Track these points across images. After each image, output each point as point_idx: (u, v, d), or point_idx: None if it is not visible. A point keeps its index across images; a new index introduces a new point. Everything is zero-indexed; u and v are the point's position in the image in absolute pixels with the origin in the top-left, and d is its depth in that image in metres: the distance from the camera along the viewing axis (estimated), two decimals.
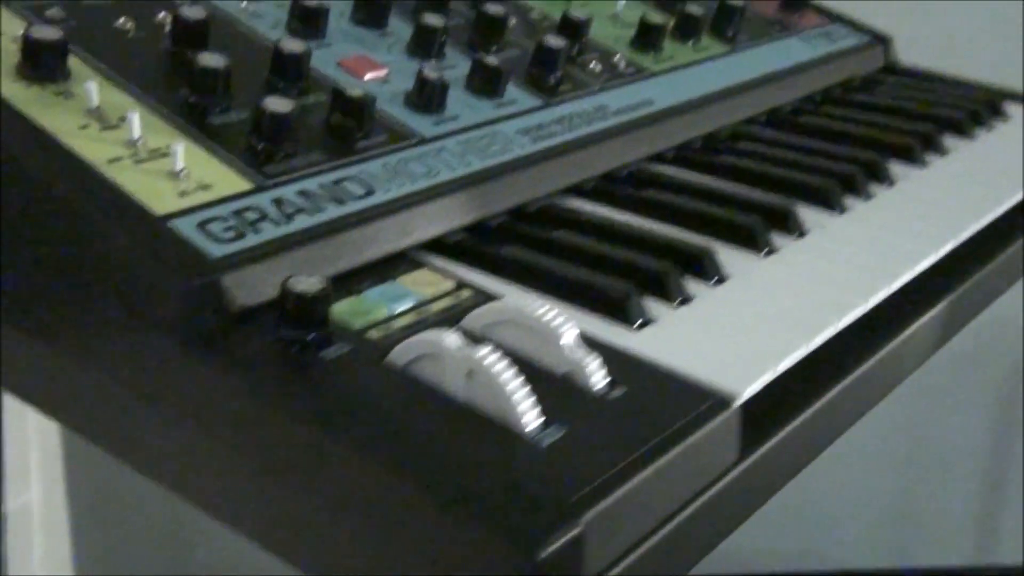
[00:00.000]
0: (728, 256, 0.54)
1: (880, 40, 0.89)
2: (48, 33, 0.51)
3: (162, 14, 0.58)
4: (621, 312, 0.47)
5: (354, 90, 0.54)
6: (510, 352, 0.43)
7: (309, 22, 0.62)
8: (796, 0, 0.89)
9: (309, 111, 0.55)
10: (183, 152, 0.48)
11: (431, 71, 0.59)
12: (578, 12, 0.71)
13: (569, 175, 0.60)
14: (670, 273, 0.50)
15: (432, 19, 0.64)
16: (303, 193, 0.49)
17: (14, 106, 0.48)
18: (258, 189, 0.48)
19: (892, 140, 0.71)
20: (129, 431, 0.46)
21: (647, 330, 0.47)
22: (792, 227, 0.58)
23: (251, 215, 0.47)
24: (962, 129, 0.75)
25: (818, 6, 0.91)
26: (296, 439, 0.39)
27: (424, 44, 0.64)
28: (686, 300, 0.50)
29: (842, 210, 0.61)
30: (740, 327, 0.48)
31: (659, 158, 0.67)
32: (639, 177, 0.64)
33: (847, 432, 0.51)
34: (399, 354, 0.42)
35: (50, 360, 0.48)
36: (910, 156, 0.69)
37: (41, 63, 0.50)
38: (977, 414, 1.48)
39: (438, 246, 0.53)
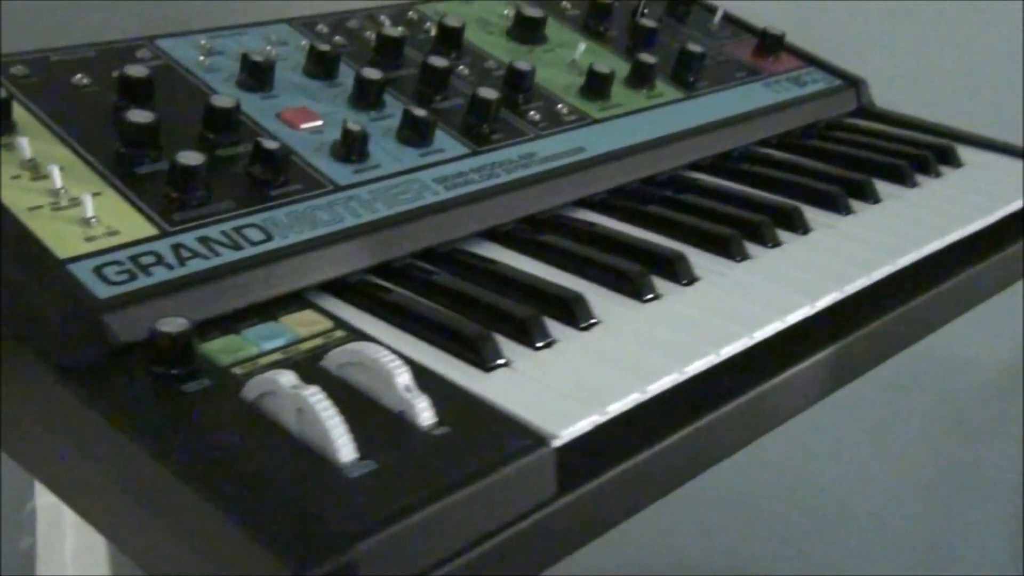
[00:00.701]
0: (606, 300, 0.58)
1: (853, 83, 0.91)
2: None
3: (116, 72, 0.64)
4: (474, 354, 0.51)
5: (270, 143, 0.60)
6: (355, 391, 0.48)
7: (256, 75, 0.68)
8: (771, 44, 0.91)
9: (232, 161, 0.60)
10: (93, 202, 0.54)
11: (353, 123, 0.64)
12: (524, 63, 0.75)
13: (479, 221, 0.64)
14: (532, 318, 0.54)
15: (370, 73, 0.69)
16: (203, 239, 0.55)
17: None
18: (161, 235, 0.54)
19: (818, 186, 0.73)
20: (35, 449, 0.52)
21: (499, 372, 0.51)
22: (681, 273, 0.61)
23: (147, 259, 0.52)
24: (900, 176, 0.77)
25: (796, 49, 0.93)
26: (145, 465, 0.45)
27: (363, 96, 0.69)
28: (549, 343, 0.54)
29: (742, 258, 0.64)
30: (590, 371, 0.52)
31: (588, 202, 0.71)
32: (555, 222, 0.68)
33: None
34: (250, 389, 0.47)
35: None
36: (833, 203, 0.71)
37: None
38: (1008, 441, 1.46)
39: (340, 287, 0.58)
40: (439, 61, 0.72)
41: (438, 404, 0.47)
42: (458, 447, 0.45)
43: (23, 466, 0.53)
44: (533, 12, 0.84)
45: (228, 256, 0.54)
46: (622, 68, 0.81)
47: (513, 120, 0.72)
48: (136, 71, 0.62)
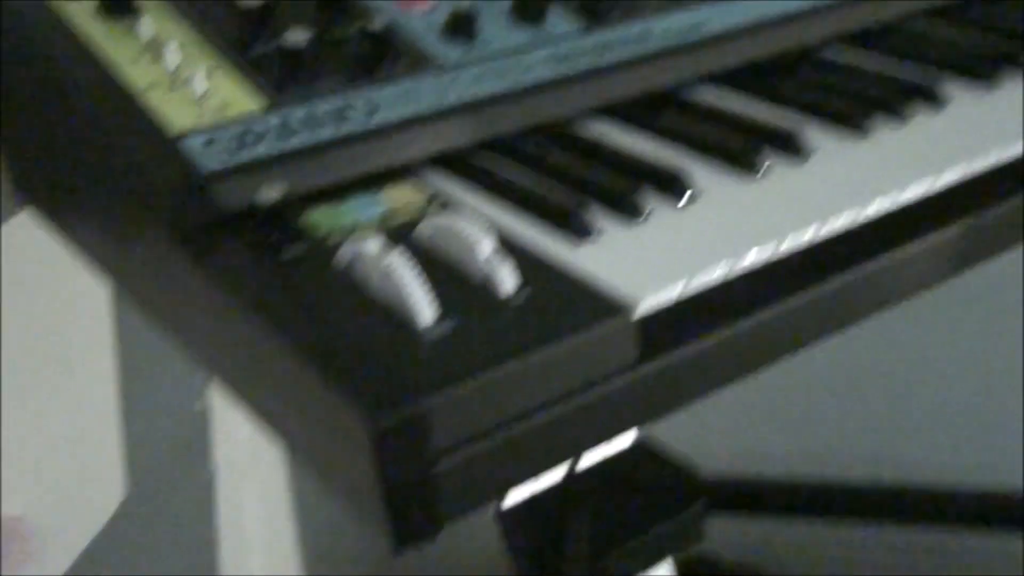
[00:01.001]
0: (715, 177, 0.57)
1: None
2: None
3: None
4: (567, 224, 0.51)
5: (376, 24, 0.60)
6: (442, 260, 0.48)
7: None
8: None
9: (343, 41, 0.61)
10: (207, 78, 0.56)
11: (461, 5, 0.63)
12: None
13: (586, 99, 0.63)
14: (627, 190, 0.53)
15: None
16: (309, 115, 0.56)
17: (86, 40, 0.58)
18: (269, 110, 0.56)
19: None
20: (152, 299, 0.56)
21: (591, 243, 0.51)
22: (795, 149, 0.59)
23: (254, 133, 0.54)
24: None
25: None
26: (244, 321, 0.47)
27: None
28: (646, 217, 0.53)
29: (864, 134, 0.61)
30: (683, 244, 0.51)
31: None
32: (669, 100, 0.66)
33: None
34: (341, 256, 0.48)
35: (101, 236, 0.59)
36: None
37: (114, 4, 0.60)
38: None
39: (443, 162, 0.58)
40: None
41: (523, 272, 0.47)
42: (538, 313, 0.46)
43: (151, 320, 0.57)
44: None
45: (331, 131, 0.55)
46: None
47: None
48: None
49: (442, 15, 0.65)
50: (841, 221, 0.53)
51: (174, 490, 1.09)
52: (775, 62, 0.71)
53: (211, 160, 0.52)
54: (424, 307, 0.44)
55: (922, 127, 0.63)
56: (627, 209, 0.53)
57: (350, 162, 0.55)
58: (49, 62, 0.58)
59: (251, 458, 1.18)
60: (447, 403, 0.41)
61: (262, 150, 0.53)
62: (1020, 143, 0.61)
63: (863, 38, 0.75)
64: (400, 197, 0.54)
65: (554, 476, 0.94)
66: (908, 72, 0.69)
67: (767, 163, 0.58)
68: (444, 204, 0.54)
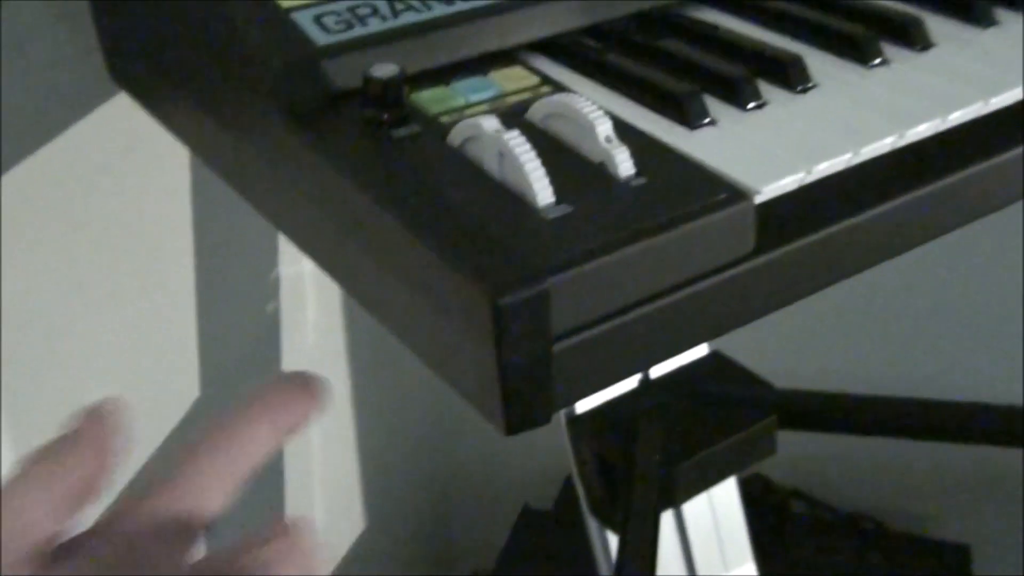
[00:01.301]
0: (829, 65, 0.55)
1: None
2: None
3: None
4: (680, 111, 0.50)
5: None
6: (558, 141, 0.48)
7: None
8: None
9: None
10: None
11: None
12: None
13: None
14: (743, 78, 0.52)
15: None
16: None
17: None
18: None
19: None
20: (253, 181, 0.56)
21: (706, 130, 0.50)
22: (916, 38, 0.57)
23: (364, 10, 0.54)
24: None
25: None
26: (358, 201, 0.47)
27: None
28: (761, 105, 0.52)
29: (989, 23, 0.59)
30: (801, 132, 0.50)
31: None
32: None
33: None
34: (455, 135, 0.48)
35: (201, 119, 0.59)
36: None
37: None
38: None
39: (553, 48, 0.57)
40: None
41: (639, 157, 0.46)
42: (656, 197, 0.45)
43: (256, 208, 0.58)
44: None
45: (440, 10, 0.54)
46: None
47: None
48: None
49: None
50: (959, 114, 0.52)
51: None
52: None
53: (322, 35, 0.52)
54: (543, 187, 0.44)
55: None
56: (743, 97, 0.52)
57: (457, 43, 0.54)
58: None
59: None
60: (568, 284, 0.41)
61: (373, 26, 0.53)
62: None
63: None
64: (512, 79, 0.53)
65: (628, 384, 0.94)
66: None
67: (883, 54, 0.56)
68: (556, 87, 0.53)
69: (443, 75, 0.53)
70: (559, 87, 0.53)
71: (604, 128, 0.47)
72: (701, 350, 0.99)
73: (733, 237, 0.45)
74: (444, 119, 0.50)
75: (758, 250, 0.46)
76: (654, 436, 0.88)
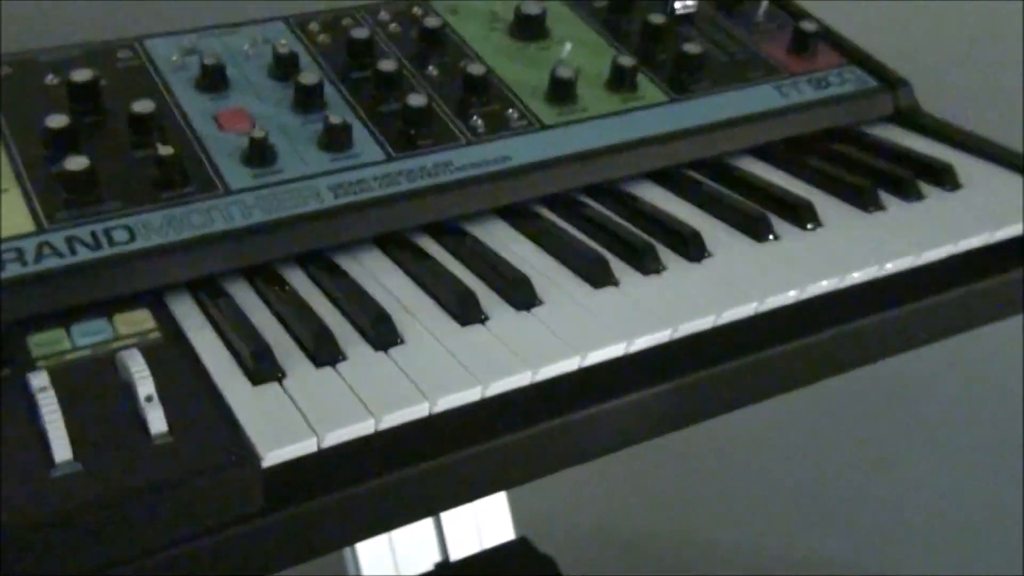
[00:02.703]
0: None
1: (891, 85, 0.83)
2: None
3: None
4: (253, 365, 0.55)
5: (164, 148, 0.65)
6: (126, 393, 0.53)
7: (210, 77, 0.73)
8: (802, 40, 0.85)
9: (142, 163, 0.66)
10: None
11: (258, 130, 0.68)
12: (477, 66, 0.76)
13: (360, 230, 0.66)
14: (320, 337, 0.56)
15: (305, 77, 0.72)
16: (70, 238, 0.61)
17: None
18: (35, 233, 0.61)
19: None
20: None
21: (268, 386, 0.54)
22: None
23: (9, 255, 0.60)
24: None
25: (842, 44, 0.86)
26: None
27: (301, 99, 0.73)
28: (335, 362, 0.56)
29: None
30: (338, 398, 0.54)
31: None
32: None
33: None
34: (30, 383, 0.53)
35: None
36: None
37: None
38: None
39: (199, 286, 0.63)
40: (386, 65, 0.75)
41: (180, 414, 0.51)
42: (173, 456, 0.49)
43: None
44: (530, 8, 0.83)
45: (83, 255, 0.60)
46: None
47: (450, 125, 0.73)
48: (80, 75, 0.69)
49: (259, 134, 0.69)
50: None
51: None
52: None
53: None
54: (60, 445, 0.49)
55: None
56: (320, 356, 0.56)
57: (91, 286, 0.60)
58: None
59: None
60: (62, 538, 0.45)
61: (8, 272, 0.59)
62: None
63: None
64: (129, 323, 0.59)
65: (423, 567, 0.97)
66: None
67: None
68: (168, 334, 0.58)
69: (72, 314, 0.59)
70: (171, 334, 0.58)
71: (144, 389, 0.51)
72: (507, 534, 1.01)
73: (240, 497, 0.49)
74: (40, 363, 0.55)
75: (268, 508, 0.50)
76: None
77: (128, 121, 0.68)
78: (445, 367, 0.56)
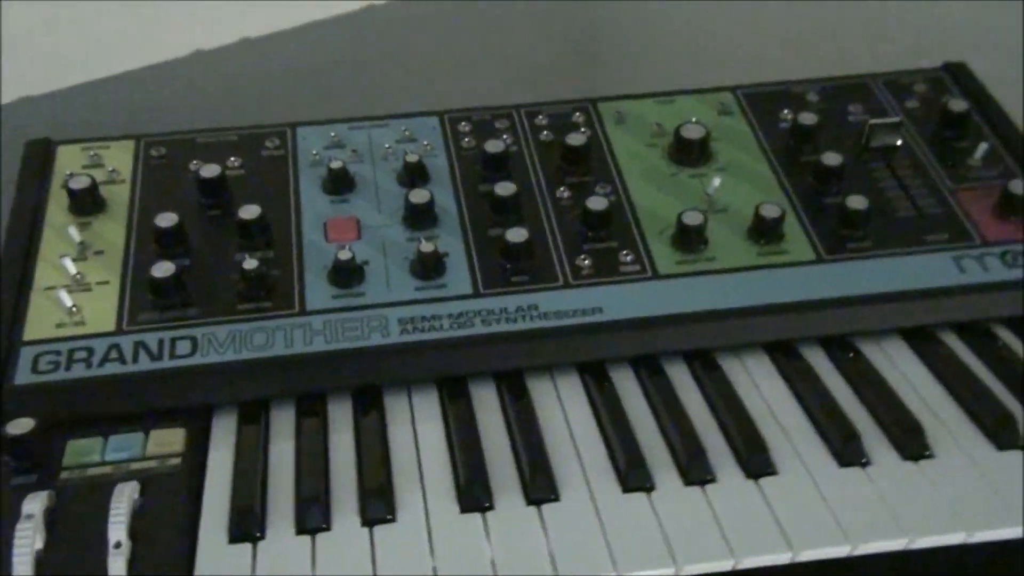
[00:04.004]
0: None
1: None
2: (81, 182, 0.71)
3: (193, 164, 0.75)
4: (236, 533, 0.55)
5: (249, 263, 0.66)
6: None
7: (335, 180, 0.74)
8: (1010, 203, 0.71)
9: (234, 269, 0.68)
10: (84, 294, 0.66)
11: (346, 252, 0.67)
12: (601, 201, 0.70)
13: (416, 370, 0.64)
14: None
15: (417, 196, 0.70)
16: (138, 343, 0.64)
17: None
18: (112, 333, 0.64)
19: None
20: None
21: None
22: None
23: (80, 354, 0.63)
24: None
25: None
26: None
27: (410, 216, 0.71)
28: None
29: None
30: None
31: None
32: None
33: None
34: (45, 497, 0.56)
35: None
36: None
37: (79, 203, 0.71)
38: None
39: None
40: (504, 188, 0.71)
41: (143, 563, 0.52)
42: None
43: None
44: (691, 132, 0.76)
45: (144, 365, 0.63)
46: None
47: (554, 261, 0.69)
48: (208, 171, 0.72)
49: (363, 250, 0.69)
50: None
51: None
52: None
53: (24, 375, 0.62)
54: (24, 563, 0.51)
55: None
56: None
57: (144, 396, 0.62)
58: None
59: None
60: None
61: (74, 373, 0.62)
62: None
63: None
64: (161, 442, 0.60)
65: None
66: None
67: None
68: (186, 460, 0.59)
69: (119, 422, 0.61)
70: (188, 461, 0.59)
71: (115, 534, 0.53)
72: None
73: None
74: (64, 475, 0.58)
75: None
76: None
77: (236, 226, 0.70)
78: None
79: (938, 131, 0.78)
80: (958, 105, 0.78)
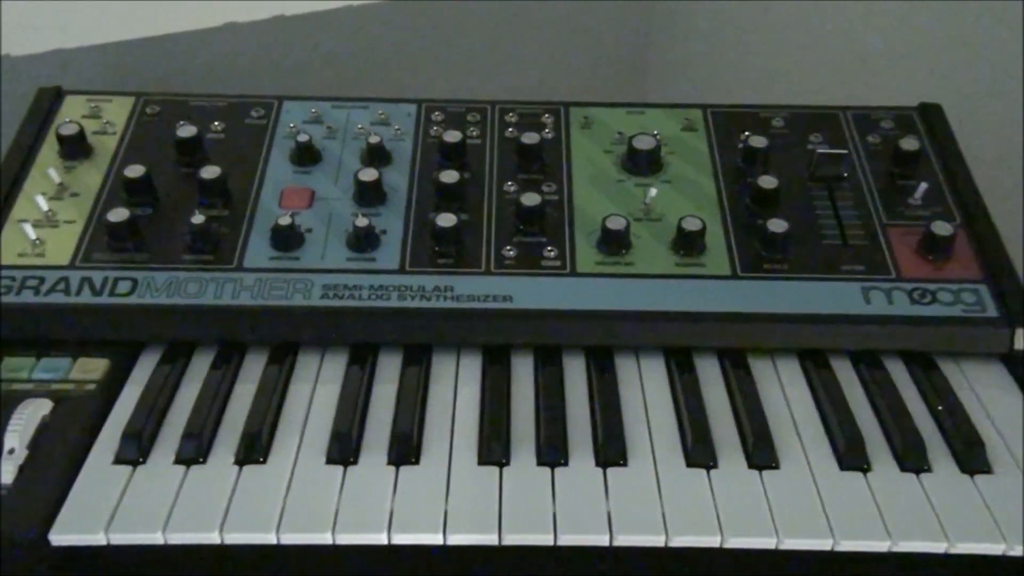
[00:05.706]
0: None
1: (1009, 323, 0.69)
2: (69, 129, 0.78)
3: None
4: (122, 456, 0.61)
5: (199, 218, 0.72)
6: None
7: (301, 153, 0.79)
8: (931, 244, 0.72)
9: (187, 224, 0.73)
10: (34, 230, 0.72)
11: (285, 219, 0.72)
12: (533, 197, 0.74)
13: (325, 335, 0.69)
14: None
15: (366, 175, 0.75)
16: (85, 279, 0.70)
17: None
18: (65, 267, 0.71)
19: None
20: None
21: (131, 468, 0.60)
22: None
23: (31, 282, 0.70)
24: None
25: (991, 255, 0.72)
26: None
27: (360, 192, 0.76)
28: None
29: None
30: None
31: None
32: None
33: None
34: None
35: None
36: None
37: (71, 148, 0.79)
38: None
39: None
40: (448, 176, 0.76)
41: (31, 473, 0.58)
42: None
43: None
44: (642, 143, 0.79)
45: (85, 298, 0.69)
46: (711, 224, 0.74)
47: (483, 249, 0.73)
48: (184, 131, 0.78)
49: (308, 220, 0.74)
50: None
51: None
52: None
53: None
54: None
55: None
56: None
57: (78, 326, 0.68)
58: None
59: None
60: None
61: (24, 297, 0.69)
62: None
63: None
64: (85, 368, 0.67)
65: None
66: None
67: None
68: (100, 386, 0.65)
69: (56, 346, 0.68)
70: (101, 387, 0.65)
71: (10, 441, 0.59)
72: None
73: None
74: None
75: None
76: None
77: (198, 184, 0.76)
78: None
79: (887, 167, 0.79)
80: (910, 144, 0.79)
